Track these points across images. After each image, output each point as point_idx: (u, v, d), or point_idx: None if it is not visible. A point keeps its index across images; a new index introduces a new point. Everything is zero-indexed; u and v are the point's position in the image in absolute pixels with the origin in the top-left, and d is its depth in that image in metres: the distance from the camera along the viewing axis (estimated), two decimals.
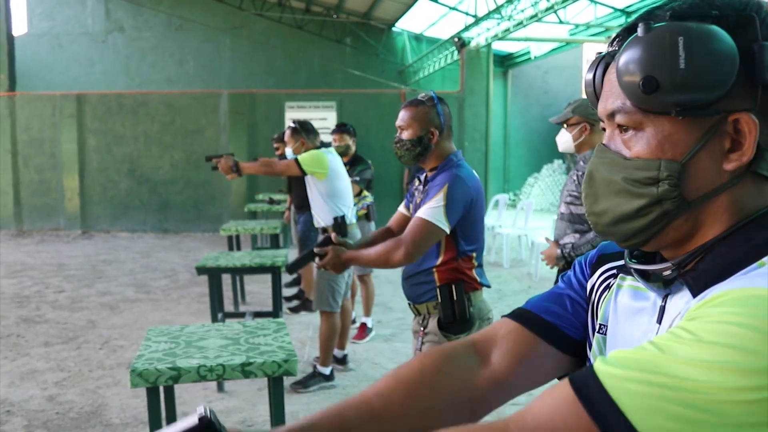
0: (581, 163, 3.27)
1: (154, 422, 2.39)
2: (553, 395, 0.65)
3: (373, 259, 2.51)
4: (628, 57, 0.73)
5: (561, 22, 10.91)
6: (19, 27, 13.13)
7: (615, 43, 0.79)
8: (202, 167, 11.74)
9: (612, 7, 11.31)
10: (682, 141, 0.73)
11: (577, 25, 11.71)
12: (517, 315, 0.99)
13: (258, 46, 13.60)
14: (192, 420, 0.71)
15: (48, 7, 13.77)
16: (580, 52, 15.40)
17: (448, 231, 2.40)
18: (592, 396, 0.60)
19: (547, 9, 9.50)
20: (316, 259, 2.58)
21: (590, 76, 0.82)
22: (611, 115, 0.78)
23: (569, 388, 0.63)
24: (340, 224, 4.24)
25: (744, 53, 0.70)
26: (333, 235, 2.62)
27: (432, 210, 2.39)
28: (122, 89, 12.91)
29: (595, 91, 0.81)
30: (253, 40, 13.59)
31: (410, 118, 2.49)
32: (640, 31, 0.73)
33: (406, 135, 2.50)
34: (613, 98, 0.77)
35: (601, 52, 0.82)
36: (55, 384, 4.36)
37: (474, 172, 2.56)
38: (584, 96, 0.85)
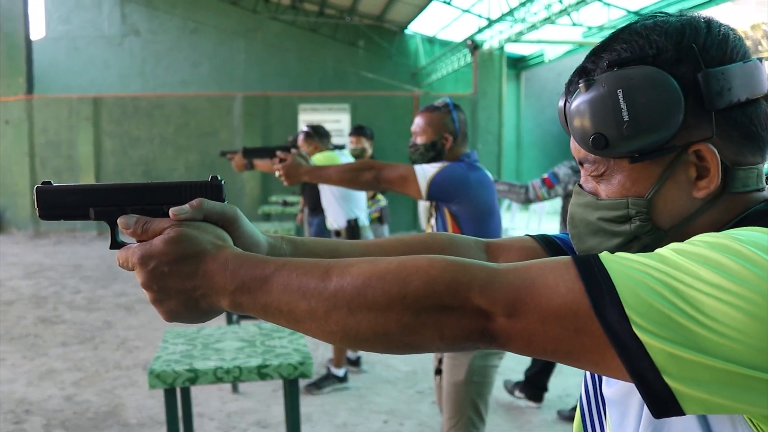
0: None
1: (172, 423, 2.43)
2: (550, 258, 0.67)
3: (335, 174, 2.53)
4: (575, 114, 0.75)
5: (574, 24, 10.89)
6: (37, 31, 13.27)
7: (570, 89, 0.80)
8: (217, 169, 11.82)
9: (625, 10, 11.28)
10: (644, 179, 0.74)
11: (590, 28, 11.68)
12: (538, 235, 1.01)
13: (272, 49, 13.68)
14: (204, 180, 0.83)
15: (65, 11, 13.92)
16: None
17: (423, 194, 2.43)
18: (589, 265, 0.62)
19: (561, 11, 9.49)
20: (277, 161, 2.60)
21: (561, 104, 0.83)
22: (580, 163, 0.81)
23: (569, 258, 0.65)
24: (353, 227, 4.28)
25: (690, 85, 0.71)
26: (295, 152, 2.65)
27: (424, 168, 2.45)
28: (137, 92, 13.03)
29: (566, 119, 0.82)
30: (267, 43, 13.67)
31: (425, 123, 2.53)
32: (581, 88, 0.74)
33: (420, 140, 2.54)
34: (577, 147, 0.80)
35: (567, 81, 0.83)
36: (73, 384, 4.42)
37: (487, 171, 2.59)
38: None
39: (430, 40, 14.71)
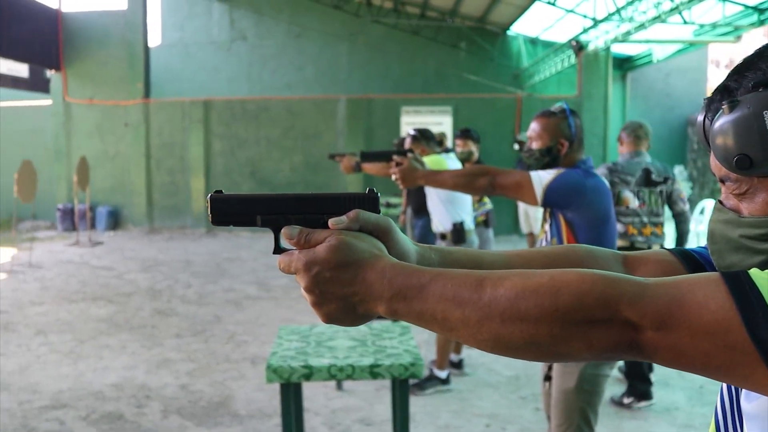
0: None
1: (286, 416, 2.53)
2: (699, 275, 0.68)
3: (450, 179, 2.55)
4: (718, 135, 0.75)
5: (686, 22, 10.44)
6: (154, 39, 14.01)
7: (711, 107, 0.80)
8: (321, 171, 12.10)
9: (743, 5, 10.71)
10: None
11: (702, 26, 11.17)
12: (675, 249, 1.01)
13: (374, 52, 13.85)
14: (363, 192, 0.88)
15: (179, 19, 14.60)
16: (705, 53, 14.66)
17: (538, 200, 2.41)
18: (739, 281, 0.63)
19: (671, 9, 9.13)
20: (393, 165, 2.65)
21: (700, 119, 0.83)
22: (721, 180, 0.80)
23: (717, 275, 0.66)
24: (458, 230, 4.28)
25: None
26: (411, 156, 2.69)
27: (539, 174, 2.44)
28: (245, 95, 13.51)
29: (705, 135, 0.81)
30: (370, 46, 13.85)
31: (541, 128, 2.52)
32: (725, 109, 0.74)
33: (536, 145, 2.53)
34: (718, 165, 0.79)
35: (708, 98, 0.82)
36: (187, 374, 4.66)
37: (604, 179, 2.55)
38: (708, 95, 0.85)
39: (533, 41, 14.47)
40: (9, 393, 4.29)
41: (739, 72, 0.77)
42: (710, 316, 0.63)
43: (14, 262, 9.02)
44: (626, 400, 4.08)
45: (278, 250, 0.87)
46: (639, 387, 4.05)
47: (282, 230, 0.85)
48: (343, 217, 0.84)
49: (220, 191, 0.89)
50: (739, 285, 0.63)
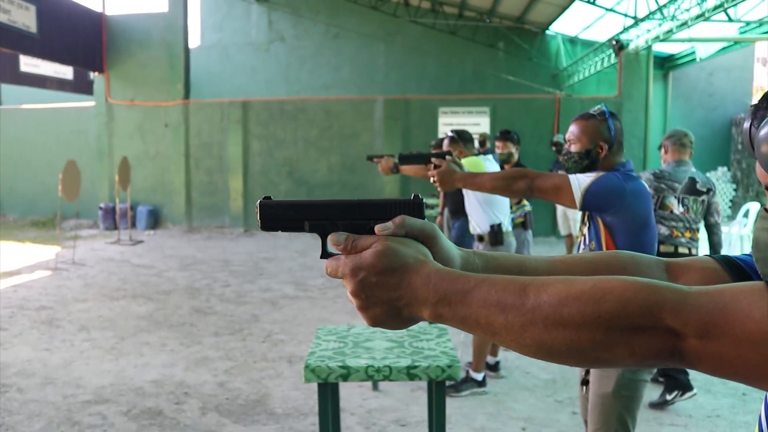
0: None
1: (323, 415, 2.55)
2: (743, 283, 0.68)
3: (489, 181, 2.53)
4: (763, 141, 0.74)
5: (731, 20, 10.22)
6: (194, 41, 14.22)
7: (757, 114, 0.79)
8: (358, 171, 12.15)
9: None
10: None
11: (748, 23, 10.92)
12: (719, 256, 1.00)
13: (412, 52, 13.86)
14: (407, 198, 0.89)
15: (218, 20, 14.81)
16: (750, 51, 14.33)
17: (577, 204, 2.38)
18: None
19: (716, 7, 8.94)
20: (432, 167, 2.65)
21: (746, 126, 0.82)
22: (767, 187, 0.79)
23: (762, 284, 0.66)
24: (496, 232, 4.26)
25: None
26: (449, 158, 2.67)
27: (578, 178, 2.40)
28: (283, 96, 13.63)
29: (751, 142, 0.80)
30: (407, 47, 13.86)
31: (580, 131, 2.49)
32: None
33: (574, 148, 2.50)
34: (764, 172, 0.78)
35: (754, 105, 0.81)
36: (225, 372, 4.72)
37: (644, 182, 2.51)
38: (753, 101, 0.84)
39: (572, 41, 14.33)
40: (54, 387, 4.40)
41: None
42: (754, 326, 0.62)
43: (58, 260, 9.24)
44: (669, 396, 4.05)
45: (325, 254, 0.89)
46: (676, 377, 4.05)
47: (329, 236, 0.86)
48: (389, 223, 0.85)
49: (269, 197, 0.90)
50: None
